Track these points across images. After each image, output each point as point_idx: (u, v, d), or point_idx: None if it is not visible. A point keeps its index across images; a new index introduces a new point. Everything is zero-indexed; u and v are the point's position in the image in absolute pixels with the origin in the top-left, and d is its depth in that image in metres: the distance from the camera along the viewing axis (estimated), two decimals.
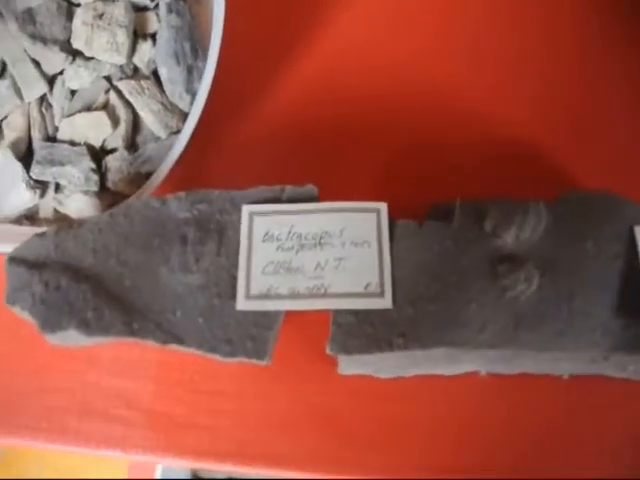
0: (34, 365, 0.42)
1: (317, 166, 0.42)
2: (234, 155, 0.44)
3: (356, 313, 0.34)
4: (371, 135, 0.43)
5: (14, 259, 0.37)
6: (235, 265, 0.35)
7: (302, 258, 0.35)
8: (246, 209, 0.36)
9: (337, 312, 0.35)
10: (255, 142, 0.44)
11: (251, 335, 0.34)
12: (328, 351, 0.34)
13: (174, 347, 0.34)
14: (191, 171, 0.42)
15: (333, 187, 0.37)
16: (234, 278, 0.35)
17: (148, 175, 0.42)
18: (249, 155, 0.44)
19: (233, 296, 0.35)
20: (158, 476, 0.74)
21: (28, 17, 0.41)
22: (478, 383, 0.38)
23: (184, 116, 0.42)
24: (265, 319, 0.35)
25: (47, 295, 0.35)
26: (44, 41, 0.41)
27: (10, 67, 0.42)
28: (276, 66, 0.46)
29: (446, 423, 0.38)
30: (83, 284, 0.35)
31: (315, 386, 0.39)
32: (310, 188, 0.37)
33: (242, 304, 0.34)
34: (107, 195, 0.43)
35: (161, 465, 0.74)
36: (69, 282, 0.36)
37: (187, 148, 0.40)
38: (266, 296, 0.35)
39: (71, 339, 0.35)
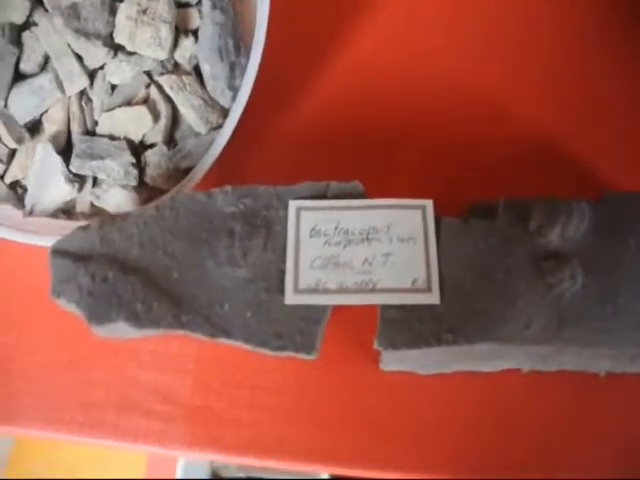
0: (72, 359, 0.42)
1: (356, 162, 0.42)
2: (273, 151, 0.45)
3: (403, 308, 0.35)
4: (410, 132, 0.44)
5: (58, 251, 0.37)
6: (282, 259, 0.36)
7: (350, 253, 0.35)
8: (293, 204, 0.37)
9: (384, 307, 0.35)
10: (295, 138, 0.44)
11: (300, 329, 0.35)
12: (376, 346, 0.34)
13: (222, 340, 0.34)
14: (230, 167, 0.42)
15: (371, 182, 0.37)
16: (282, 272, 0.35)
17: (186, 170, 0.42)
18: (288, 151, 0.44)
19: (281, 290, 0.35)
20: (179, 476, 0.73)
21: (73, 12, 0.41)
22: (519, 379, 0.38)
23: (224, 112, 0.42)
24: (313, 313, 0.35)
25: (94, 287, 0.35)
26: (87, 36, 0.41)
27: (53, 61, 0.42)
28: (316, 63, 0.46)
29: (488, 420, 0.38)
30: (131, 276, 0.35)
31: (357, 382, 0.39)
32: (355, 184, 0.37)
33: (291, 298, 0.35)
34: (144, 190, 0.43)
35: (181, 465, 0.74)
36: (116, 274, 0.36)
37: (227, 144, 0.40)
38: (314, 290, 0.35)
39: (119, 331, 0.35)
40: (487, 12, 0.48)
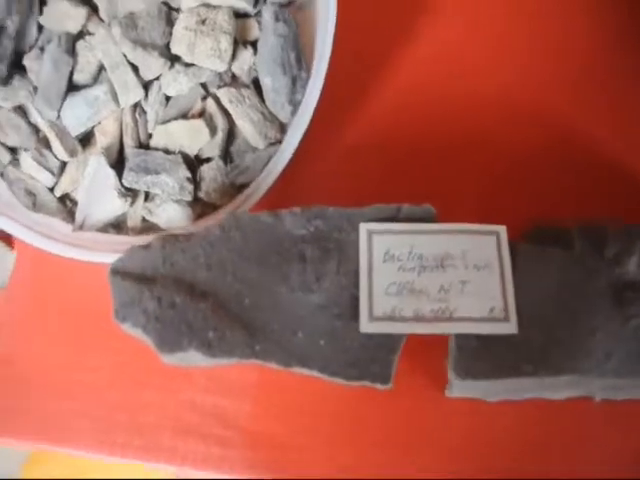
0: (126, 379, 0.41)
1: (418, 179, 0.42)
2: (331, 168, 0.44)
3: (478, 337, 0.34)
4: (468, 149, 0.43)
5: (118, 271, 0.36)
6: (355, 284, 0.35)
7: (425, 279, 0.35)
8: (364, 227, 0.36)
9: (458, 335, 0.34)
10: (353, 155, 0.44)
11: (375, 358, 0.34)
12: (453, 376, 0.34)
13: (296, 370, 0.33)
14: (285, 183, 0.40)
15: (434, 200, 0.37)
16: (355, 298, 0.34)
17: (242, 186, 0.41)
18: (346, 169, 0.43)
19: (354, 317, 0.34)
20: None
21: (130, 22, 0.40)
22: (590, 408, 0.38)
23: (282, 126, 0.41)
24: (388, 341, 0.34)
25: (161, 312, 0.34)
26: (144, 46, 0.40)
27: (109, 72, 0.40)
28: (377, 78, 0.45)
29: (557, 447, 0.38)
30: (201, 302, 0.34)
31: (421, 408, 0.39)
32: (428, 208, 0.36)
33: (366, 326, 0.34)
34: (198, 205, 0.42)
35: None
36: (185, 299, 0.34)
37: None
38: (390, 318, 0.34)
39: (190, 360, 0.34)
40: (542, 28, 0.47)
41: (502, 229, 0.36)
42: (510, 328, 0.34)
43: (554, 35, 0.46)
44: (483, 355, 0.34)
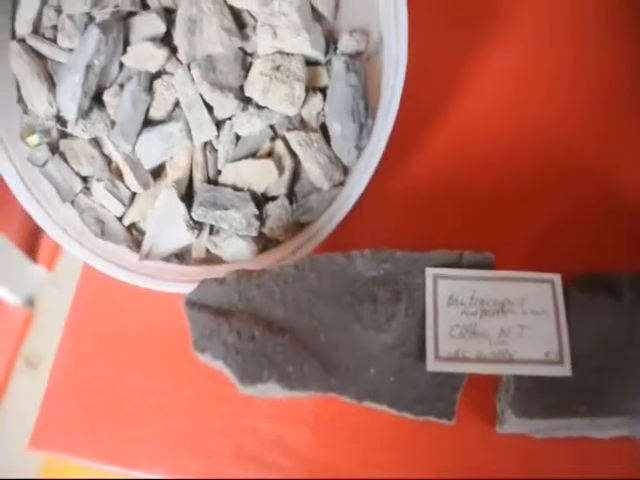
0: (190, 406, 0.42)
1: (477, 224, 0.44)
2: (394, 210, 0.46)
3: (534, 378, 0.37)
4: (523, 198, 0.46)
5: (194, 303, 0.38)
6: (422, 326, 0.37)
7: (486, 323, 0.37)
8: (430, 272, 0.38)
9: (516, 376, 0.37)
10: (415, 199, 0.46)
11: (440, 395, 0.36)
12: (509, 414, 0.36)
13: (368, 404, 0.36)
14: (348, 223, 0.43)
15: (491, 244, 0.39)
16: (422, 339, 0.37)
17: (304, 224, 0.44)
18: (408, 211, 0.46)
19: (421, 356, 0.36)
20: None
21: (209, 65, 0.42)
22: (632, 447, 0.41)
23: (345, 169, 0.44)
24: (452, 380, 0.37)
25: (242, 345, 0.36)
26: (221, 88, 0.42)
27: (185, 110, 0.42)
28: (440, 126, 0.48)
29: None
30: (279, 336, 0.36)
31: (473, 441, 0.41)
32: (488, 256, 0.39)
33: (432, 365, 0.36)
34: (261, 240, 0.44)
35: None
36: (263, 333, 0.37)
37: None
38: (454, 358, 0.36)
39: (268, 392, 0.36)
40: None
41: (557, 277, 0.38)
42: (564, 371, 0.36)
43: (622, 97, 0.48)
44: (539, 395, 0.37)
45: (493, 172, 0.47)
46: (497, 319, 0.37)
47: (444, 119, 0.48)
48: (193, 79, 0.42)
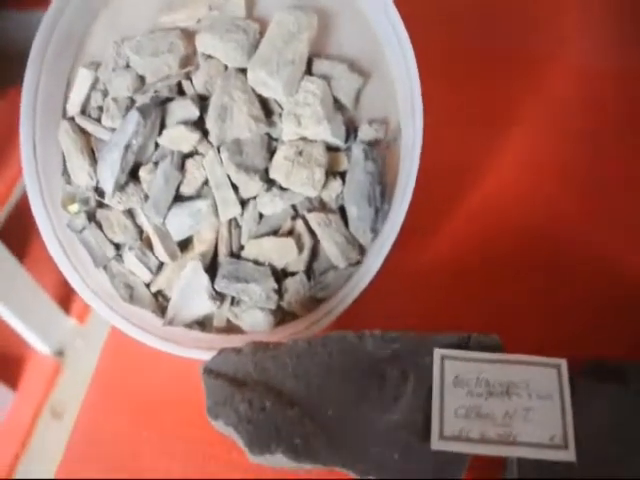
0: (200, 469, 0.44)
1: (486, 305, 0.46)
2: (406, 288, 0.48)
3: (538, 462, 0.37)
4: (536, 282, 0.48)
5: (211, 371, 0.40)
6: (428, 405, 0.38)
7: (491, 405, 0.38)
8: (437, 352, 0.40)
9: (520, 459, 0.38)
10: (427, 278, 0.48)
11: (445, 474, 0.37)
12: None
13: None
14: (364, 300, 0.45)
15: (498, 325, 0.41)
16: (427, 418, 0.38)
17: (321, 300, 0.46)
18: (420, 289, 0.48)
19: (426, 435, 0.38)
20: None
21: (237, 148, 0.45)
22: None
23: (362, 249, 0.46)
24: (456, 458, 0.37)
25: (253, 415, 0.38)
26: (247, 170, 0.45)
27: (213, 189, 0.45)
28: (453, 209, 0.51)
29: None
30: (288, 409, 0.38)
31: None
32: (494, 338, 0.41)
33: (436, 444, 0.37)
34: (279, 313, 0.46)
35: None
36: (274, 404, 0.38)
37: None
38: (458, 438, 0.37)
39: (276, 462, 0.37)
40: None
41: (563, 362, 0.40)
42: (569, 456, 0.37)
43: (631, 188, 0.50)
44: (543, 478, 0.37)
45: (505, 258, 0.49)
46: (502, 401, 0.39)
47: (457, 206, 0.51)
48: (222, 161, 0.45)
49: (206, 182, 0.46)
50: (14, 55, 0.52)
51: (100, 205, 0.48)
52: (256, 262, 0.46)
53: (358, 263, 0.46)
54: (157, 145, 0.47)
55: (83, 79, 0.48)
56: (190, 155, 0.47)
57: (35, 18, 0.47)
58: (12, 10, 0.59)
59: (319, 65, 0.46)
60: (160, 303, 0.47)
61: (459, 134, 0.52)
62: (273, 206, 0.46)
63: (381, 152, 0.46)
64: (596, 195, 0.50)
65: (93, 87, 0.48)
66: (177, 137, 0.46)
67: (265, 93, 0.46)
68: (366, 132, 0.46)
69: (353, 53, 0.47)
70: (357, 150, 0.46)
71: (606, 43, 0.54)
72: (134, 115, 0.45)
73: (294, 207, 0.47)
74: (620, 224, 0.49)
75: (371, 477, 0.37)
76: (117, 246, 0.47)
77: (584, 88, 0.53)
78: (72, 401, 0.49)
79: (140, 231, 0.47)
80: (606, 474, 0.37)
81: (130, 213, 0.47)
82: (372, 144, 0.46)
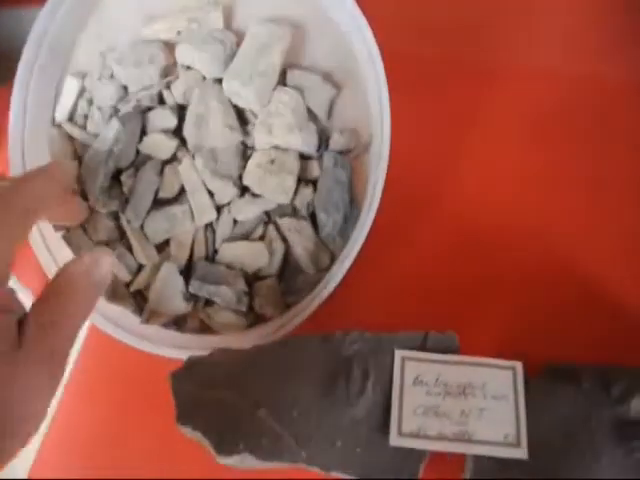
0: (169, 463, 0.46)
1: (450, 310, 0.47)
2: (375, 292, 0.50)
3: (494, 459, 0.39)
4: (503, 284, 0.49)
5: (179, 377, 0.42)
6: (388, 402, 0.40)
7: (448, 404, 0.40)
8: (399, 354, 0.42)
9: (476, 456, 0.39)
10: (394, 283, 0.50)
11: (404, 467, 0.39)
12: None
13: (336, 474, 0.38)
14: (332, 303, 0.46)
15: (460, 329, 0.43)
16: (387, 414, 0.40)
17: (290, 304, 0.47)
18: (388, 293, 0.50)
19: (386, 430, 0.39)
20: None
21: (212, 155, 0.47)
22: None
23: (332, 256, 0.48)
24: (415, 453, 0.39)
25: (219, 418, 0.39)
26: (221, 177, 0.47)
27: (189, 194, 0.47)
28: (421, 220, 0.52)
29: None
30: (255, 410, 0.40)
31: None
32: (451, 335, 0.42)
33: (395, 440, 0.39)
34: (251, 315, 0.48)
35: None
36: (240, 407, 0.40)
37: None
38: (416, 435, 0.39)
39: (244, 462, 0.39)
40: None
41: (519, 365, 0.41)
42: (521, 453, 0.39)
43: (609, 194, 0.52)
44: (498, 475, 0.39)
45: (471, 263, 0.50)
46: (459, 401, 0.40)
47: (426, 213, 0.52)
48: (197, 167, 0.47)
49: (183, 187, 0.48)
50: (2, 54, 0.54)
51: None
52: (229, 266, 0.48)
53: (328, 269, 0.47)
54: (138, 151, 0.48)
55: (70, 87, 0.50)
56: (169, 162, 0.48)
57: (21, 16, 0.49)
58: None
59: (293, 76, 0.48)
60: (138, 302, 0.49)
61: (430, 142, 0.54)
62: (246, 212, 0.47)
63: (351, 161, 0.48)
64: (573, 200, 0.52)
65: (80, 95, 0.50)
66: (156, 144, 0.48)
67: (240, 103, 0.48)
68: (337, 141, 0.48)
69: (327, 65, 0.49)
70: (327, 158, 0.47)
71: (579, 49, 0.56)
72: (115, 123, 0.46)
73: (267, 213, 0.48)
74: (597, 231, 0.51)
75: (334, 472, 0.38)
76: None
77: (558, 93, 0.55)
78: None
79: (122, 232, 0.49)
80: (556, 470, 0.39)
81: (112, 216, 0.49)
82: (343, 153, 0.48)
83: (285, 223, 0.47)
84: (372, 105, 0.48)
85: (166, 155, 0.48)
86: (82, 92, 0.51)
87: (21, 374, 0.30)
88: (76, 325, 0.33)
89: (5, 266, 0.33)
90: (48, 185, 0.38)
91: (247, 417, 0.39)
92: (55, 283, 0.34)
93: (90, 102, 0.50)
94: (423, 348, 0.42)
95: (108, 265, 0.35)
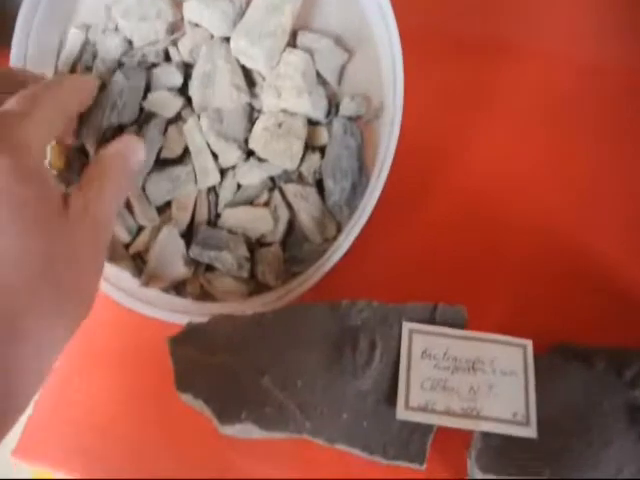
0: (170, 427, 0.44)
1: (459, 283, 0.46)
2: (382, 262, 0.49)
3: (503, 437, 0.38)
4: (510, 264, 0.48)
5: (178, 344, 0.40)
6: (395, 374, 0.39)
7: (457, 379, 0.39)
8: (406, 326, 0.40)
9: (484, 433, 0.38)
10: (401, 254, 0.49)
11: (411, 441, 0.38)
12: (475, 470, 0.37)
13: (340, 447, 0.37)
14: (337, 274, 0.45)
15: (470, 303, 0.42)
16: (394, 387, 0.39)
17: (295, 273, 0.46)
18: (394, 264, 0.48)
19: (393, 403, 0.38)
20: None
21: (217, 116, 0.45)
22: None
23: (339, 226, 0.46)
24: (422, 427, 0.38)
25: (222, 384, 0.38)
26: (226, 138, 0.45)
27: (193, 156, 0.45)
28: (430, 190, 0.51)
29: None
30: (258, 378, 0.38)
31: None
32: (460, 309, 0.41)
33: (401, 414, 0.38)
34: (252, 283, 0.47)
35: None
36: (244, 374, 0.38)
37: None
38: (424, 409, 0.38)
39: (246, 432, 0.37)
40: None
41: (529, 343, 0.40)
42: (530, 432, 0.38)
43: (609, 171, 0.51)
44: (506, 454, 0.38)
45: (479, 235, 0.49)
46: (468, 376, 0.39)
47: (435, 185, 0.51)
48: (202, 128, 0.45)
49: (187, 149, 0.46)
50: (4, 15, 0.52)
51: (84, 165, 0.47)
52: (230, 231, 0.46)
53: (334, 239, 0.45)
54: (142, 108, 0.46)
55: (74, 39, 0.48)
56: (173, 121, 0.46)
57: None
58: None
59: (304, 38, 0.46)
60: (139, 266, 0.47)
61: (441, 115, 0.53)
62: (251, 176, 0.46)
63: (361, 127, 0.46)
64: (577, 178, 0.51)
65: (84, 48, 0.48)
66: (161, 102, 0.46)
67: (248, 63, 0.46)
68: (347, 107, 0.46)
69: (340, 28, 0.47)
70: (337, 124, 0.46)
71: (594, 36, 0.55)
72: (119, 76, 0.44)
73: (272, 179, 0.47)
74: (599, 208, 0.50)
75: (339, 444, 0.37)
76: None
77: (571, 78, 0.54)
78: None
79: None
80: (566, 451, 0.38)
81: None
82: (353, 119, 0.46)
83: (291, 189, 0.46)
84: (384, 72, 0.47)
85: (171, 113, 0.46)
86: (86, 44, 0.48)
87: (68, 239, 0.33)
88: (115, 202, 0.37)
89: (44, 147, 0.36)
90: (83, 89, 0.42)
91: (250, 385, 0.38)
92: (93, 167, 0.37)
93: (94, 55, 0.48)
94: (432, 320, 0.41)
95: (141, 150, 0.40)
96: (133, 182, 0.38)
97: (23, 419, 0.47)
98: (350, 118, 0.47)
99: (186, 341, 0.40)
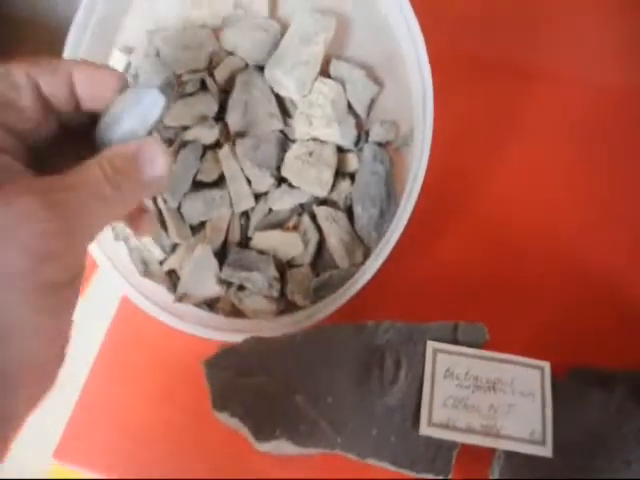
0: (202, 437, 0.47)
1: (484, 310, 0.46)
2: (402, 288, 0.50)
3: (525, 455, 0.40)
4: (535, 286, 0.50)
5: (213, 365, 0.42)
6: (419, 392, 0.41)
7: (477, 398, 0.41)
8: (430, 345, 0.42)
9: (507, 451, 0.40)
10: (426, 280, 0.50)
11: (437, 455, 0.40)
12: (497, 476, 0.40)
13: (371, 461, 0.39)
14: (364, 295, 0.47)
15: (491, 325, 0.43)
16: (419, 404, 0.41)
17: (322, 295, 0.48)
18: (419, 287, 0.50)
19: (418, 420, 0.40)
20: None
21: (252, 144, 0.48)
22: None
23: (366, 250, 0.48)
24: (448, 442, 0.40)
25: (258, 403, 0.40)
26: (260, 166, 0.47)
27: (228, 180, 0.48)
28: (458, 217, 0.53)
29: None
30: (292, 397, 0.40)
31: None
32: (480, 326, 0.43)
33: (424, 430, 0.40)
34: (282, 302, 0.49)
35: None
36: (278, 393, 0.40)
37: None
38: (446, 426, 0.40)
39: (281, 448, 0.40)
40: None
41: (547, 365, 0.42)
42: (546, 451, 0.40)
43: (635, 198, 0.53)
44: (527, 471, 0.40)
45: (505, 261, 0.51)
46: (488, 395, 0.41)
47: (464, 211, 0.53)
48: (236, 154, 0.47)
49: (223, 174, 0.49)
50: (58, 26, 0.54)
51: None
52: (261, 252, 0.48)
53: (362, 264, 0.47)
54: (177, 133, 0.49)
55: (117, 62, 0.50)
56: (211, 147, 0.49)
57: None
58: None
59: (337, 67, 0.48)
60: (174, 282, 0.49)
61: (469, 140, 0.54)
62: (282, 202, 0.48)
63: (390, 154, 0.49)
64: (602, 203, 0.53)
65: (126, 71, 0.50)
66: (199, 129, 0.48)
67: (281, 92, 0.48)
68: (377, 132, 0.48)
69: (372, 56, 0.49)
70: (367, 151, 0.48)
71: (621, 60, 0.57)
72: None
73: (302, 205, 0.49)
74: (624, 234, 0.52)
75: (370, 459, 0.39)
76: None
77: (597, 103, 0.56)
78: (80, 369, 0.52)
79: (159, 212, 0.49)
80: (587, 469, 0.40)
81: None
82: (382, 145, 0.49)
83: (322, 211, 0.48)
84: (414, 98, 0.48)
85: (208, 140, 0.48)
86: (128, 67, 0.50)
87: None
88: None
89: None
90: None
91: (284, 403, 0.40)
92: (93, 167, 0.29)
93: (135, 78, 0.50)
94: (454, 337, 0.43)
95: (159, 162, 0.31)
96: (142, 196, 0.32)
97: (63, 422, 0.49)
98: (380, 144, 0.49)
99: (220, 363, 0.42)
